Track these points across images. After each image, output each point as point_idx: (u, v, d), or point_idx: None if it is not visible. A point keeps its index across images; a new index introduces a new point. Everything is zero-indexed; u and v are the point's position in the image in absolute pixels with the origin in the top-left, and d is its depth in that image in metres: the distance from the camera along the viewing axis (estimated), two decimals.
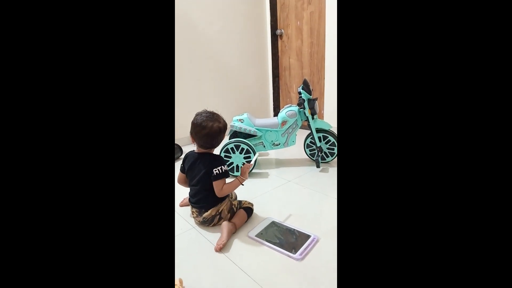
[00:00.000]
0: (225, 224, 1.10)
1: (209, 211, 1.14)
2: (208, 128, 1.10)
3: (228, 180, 1.16)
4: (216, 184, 1.11)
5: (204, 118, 1.11)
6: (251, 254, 1.01)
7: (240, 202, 1.25)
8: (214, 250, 1.03)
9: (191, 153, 1.20)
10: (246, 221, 1.19)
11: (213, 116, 1.12)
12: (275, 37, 2.85)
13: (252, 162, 1.37)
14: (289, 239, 1.07)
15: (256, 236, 1.09)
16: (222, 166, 1.13)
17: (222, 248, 1.03)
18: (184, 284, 0.86)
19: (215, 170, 1.11)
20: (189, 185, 1.21)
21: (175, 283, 0.83)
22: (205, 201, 1.14)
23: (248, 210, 1.22)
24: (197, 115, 1.14)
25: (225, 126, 1.14)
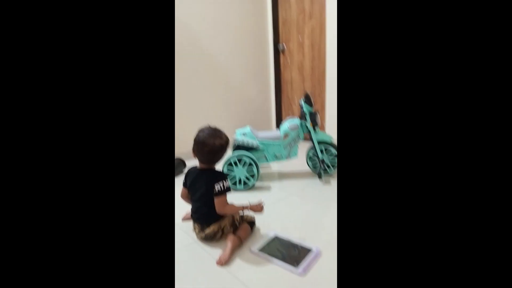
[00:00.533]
0: (229, 239, 1.10)
1: (211, 227, 1.14)
2: (210, 145, 1.11)
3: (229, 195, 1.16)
4: (218, 201, 1.11)
5: (206, 135, 1.12)
6: (253, 268, 1.00)
7: (242, 217, 1.25)
8: (216, 265, 1.02)
9: (193, 169, 1.21)
10: (249, 235, 1.18)
11: (215, 133, 1.13)
12: (277, 52, 2.92)
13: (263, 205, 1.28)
14: (291, 253, 1.06)
15: (259, 250, 1.09)
16: (224, 182, 1.12)
17: (225, 263, 1.02)
18: None
19: (217, 186, 1.10)
20: (191, 201, 1.21)
21: None
22: (207, 217, 1.14)
23: (251, 224, 1.21)
24: (199, 131, 1.15)
25: (227, 142, 1.15)
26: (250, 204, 1.20)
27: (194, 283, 0.94)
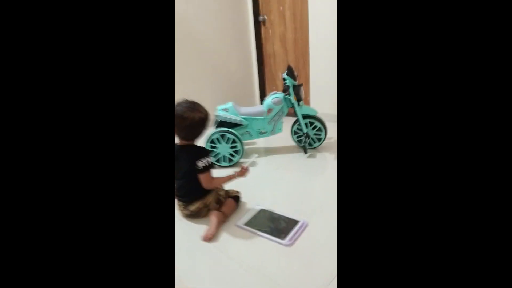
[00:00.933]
0: (214, 214, 1.09)
1: (195, 204, 1.12)
2: (190, 119, 1.06)
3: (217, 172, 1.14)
4: (203, 177, 1.09)
5: (184, 109, 1.06)
6: (240, 243, 1.00)
7: (227, 191, 1.23)
8: (202, 241, 1.01)
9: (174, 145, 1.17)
10: (234, 210, 1.18)
11: (194, 106, 1.09)
12: (258, 24, 2.79)
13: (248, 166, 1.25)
14: (278, 226, 1.07)
15: (245, 224, 1.09)
16: (208, 158, 1.10)
17: (211, 238, 1.02)
18: (179, 273, 0.85)
19: (201, 163, 1.08)
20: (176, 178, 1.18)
21: None
22: (191, 194, 1.12)
23: (236, 199, 1.21)
24: (177, 106, 1.08)
25: (207, 116, 1.11)
26: (235, 172, 1.18)
27: (181, 260, 0.93)
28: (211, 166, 1.11)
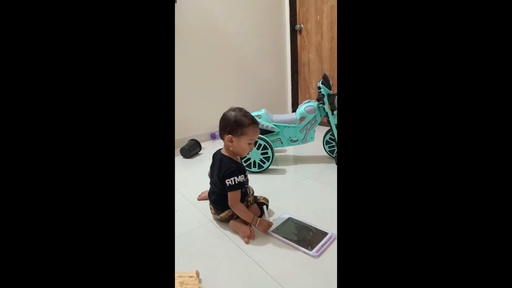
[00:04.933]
0: (232, 224, 1.11)
1: (225, 212, 1.14)
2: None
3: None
4: (230, 195, 1.09)
5: (240, 114, 1.10)
6: (267, 249, 1.01)
7: (255, 197, 1.25)
8: (232, 244, 1.03)
9: (218, 152, 1.20)
10: (259, 216, 1.18)
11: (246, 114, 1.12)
12: (294, 32, 2.81)
13: (267, 217, 1.19)
14: (305, 236, 1.05)
15: (272, 231, 1.09)
16: (235, 178, 1.07)
17: (251, 238, 1.05)
18: (200, 276, 0.87)
19: (228, 181, 1.07)
20: (210, 182, 1.22)
21: (192, 275, 0.84)
22: (221, 203, 1.14)
23: (262, 205, 1.21)
24: (229, 111, 1.12)
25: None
26: (251, 231, 1.08)
27: (209, 261, 0.96)
28: (238, 185, 1.07)
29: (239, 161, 1.17)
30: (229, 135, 1.09)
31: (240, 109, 1.12)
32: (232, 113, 1.10)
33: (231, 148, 1.12)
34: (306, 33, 2.73)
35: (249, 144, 1.11)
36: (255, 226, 1.09)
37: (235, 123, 1.08)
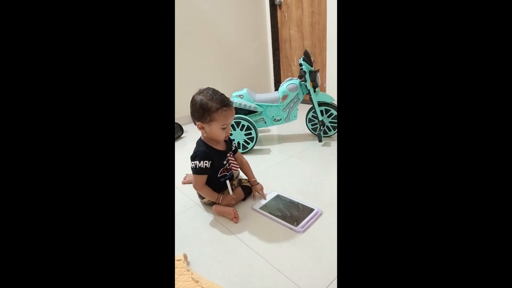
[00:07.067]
0: (215, 210, 1.10)
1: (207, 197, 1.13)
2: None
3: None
4: (193, 178, 1.07)
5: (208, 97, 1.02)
6: (253, 227, 1.02)
7: (240, 180, 1.24)
8: (219, 225, 1.04)
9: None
10: (243, 199, 1.18)
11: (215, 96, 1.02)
12: (274, 7, 2.72)
13: (230, 192, 1.15)
14: (292, 212, 1.08)
15: (260, 208, 1.10)
16: (196, 162, 1.03)
17: (236, 216, 1.05)
18: (188, 259, 0.88)
19: (191, 164, 1.05)
20: None
21: (180, 259, 0.85)
22: None
23: (246, 188, 1.20)
24: (199, 93, 1.04)
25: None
26: (221, 197, 1.09)
27: (196, 243, 0.96)
28: (198, 170, 1.03)
29: (217, 147, 1.10)
30: (199, 122, 1.03)
31: (208, 91, 1.02)
32: (198, 98, 1.00)
33: (205, 135, 1.08)
34: (286, 7, 2.64)
35: (223, 129, 1.03)
36: (219, 203, 1.09)
37: (201, 109, 0.99)
